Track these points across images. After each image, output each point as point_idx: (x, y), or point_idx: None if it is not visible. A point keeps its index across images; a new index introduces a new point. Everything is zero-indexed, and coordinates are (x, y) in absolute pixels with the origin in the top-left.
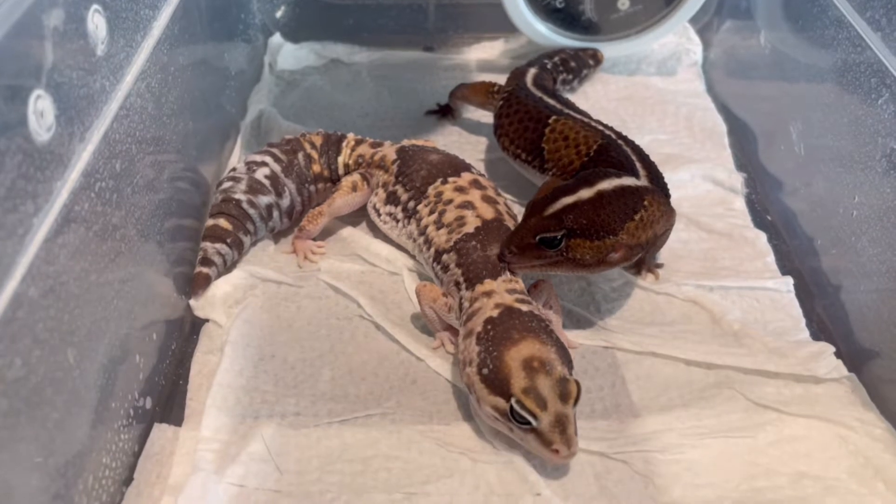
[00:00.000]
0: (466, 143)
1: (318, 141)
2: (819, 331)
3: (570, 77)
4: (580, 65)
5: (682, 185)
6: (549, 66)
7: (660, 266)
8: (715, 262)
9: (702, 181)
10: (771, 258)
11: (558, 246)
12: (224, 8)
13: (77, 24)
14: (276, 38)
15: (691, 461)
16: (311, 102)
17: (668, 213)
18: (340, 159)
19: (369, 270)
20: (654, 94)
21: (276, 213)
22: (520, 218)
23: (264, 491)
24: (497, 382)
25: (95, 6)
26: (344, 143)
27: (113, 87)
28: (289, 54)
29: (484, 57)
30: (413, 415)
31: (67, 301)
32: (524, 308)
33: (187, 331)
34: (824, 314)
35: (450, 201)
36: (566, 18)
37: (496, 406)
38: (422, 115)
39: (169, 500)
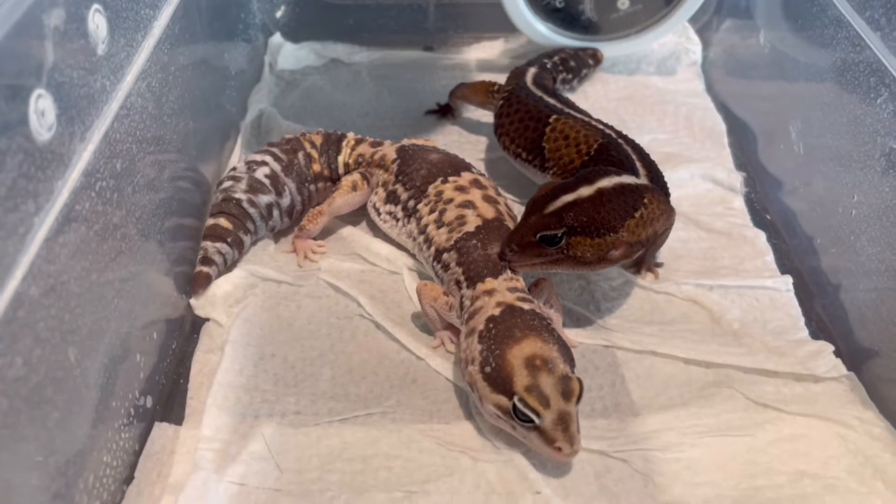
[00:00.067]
0: (466, 142)
1: (318, 140)
2: (818, 330)
3: (570, 76)
4: (580, 64)
5: (682, 185)
6: (548, 66)
7: (659, 265)
8: (714, 261)
9: (701, 180)
10: (770, 257)
11: (559, 243)
12: (224, 8)
13: (78, 24)
14: (277, 38)
15: (691, 460)
16: (311, 102)
17: (668, 212)
18: (340, 158)
19: (369, 269)
20: (653, 93)
21: (276, 213)
22: (520, 218)
23: (265, 490)
24: (499, 381)
25: (96, 6)
26: (344, 143)
27: (113, 86)
28: (289, 54)
29: (484, 57)
30: (413, 414)
31: (68, 300)
32: (526, 306)
33: (188, 330)
34: (823, 313)
35: (450, 200)
36: (566, 18)
37: (499, 404)
38: (422, 114)
39: (169, 498)
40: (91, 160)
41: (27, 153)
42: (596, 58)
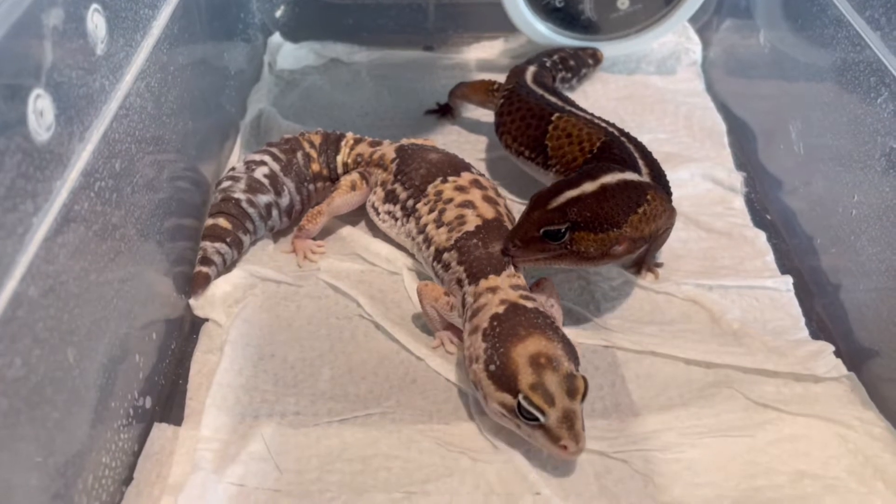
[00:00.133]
0: (466, 142)
1: (316, 140)
2: (818, 330)
3: (570, 75)
4: (579, 63)
5: (682, 184)
6: (547, 64)
7: (659, 265)
8: (714, 261)
9: (701, 180)
10: (770, 257)
11: (562, 239)
12: (224, 7)
13: (76, 24)
14: (276, 38)
15: (691, 460)
16: (310, 102)
17: (670, 210)
18: (339, 158)
19: (369, 270)
20: (653, 93)
21: (275, 212)
22: (523, 213)
23: (264, 490)
24: (504, 379)
25: (95, 5)
26: (343, 142)
27: (112, 86)
28: (288, 54)
29: (484, 56)
30: (413, 414)
31: (67, 300)
32: (529, 304)
33: (187, 330)
34: (824, 313)
35: (450, 200)
36: (566, 18)
37: (503, 402)
38: (421, 114)
39: (169, 499)
40: (90, 160)
41: (26, 153)
42: (596, 57)
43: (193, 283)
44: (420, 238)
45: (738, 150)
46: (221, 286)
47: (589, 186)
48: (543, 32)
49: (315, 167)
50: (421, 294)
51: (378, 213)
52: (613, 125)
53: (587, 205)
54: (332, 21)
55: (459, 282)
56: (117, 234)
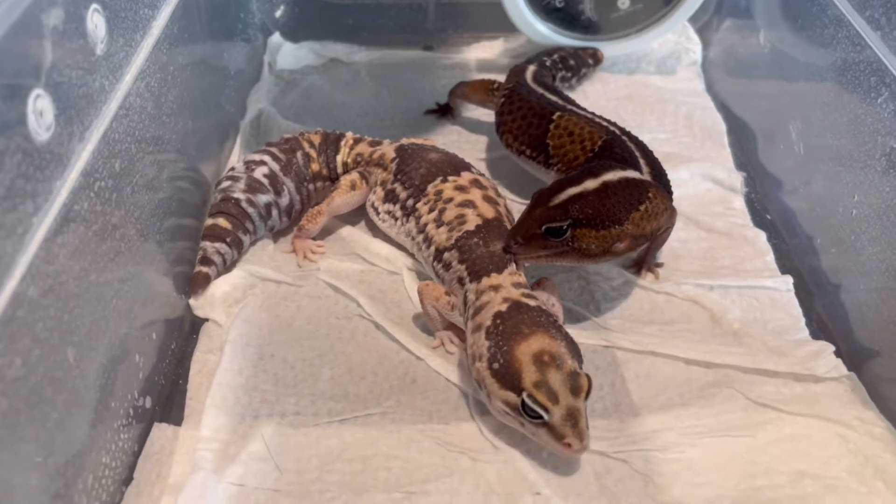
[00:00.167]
0: (466, 142)
1: (316, 140)
2: (818, 330)
3: (569, 75)
4: (579, 63)
5: (682, 184)
6: (547, 64)
7: (659, 265)
8: (714, 261)
9: (701, 180)
10: (770, 257)
11: (564, 236)
12: (223, 7)
13: (76, 24)
14: (276, 38)
15: (691, 460)
16: (310, 102)
17: (671, 209)
18: (339, 158)
19: (369, 270)
20: (653, 93)
21: (275, 212)
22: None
23: (264, 490)
24: (508, 377)
25: (95, 5)
26: (342, 142)
27: (112, 86)
28: (288, 54)
29: (483, 56)
30: (413, 414)
31: (67, 300)
32: (532, 302)
33: (187, 330)
34: (824, 313)
35: (450, 200)
36: (566, 18)
37: (507, 401)
38: (421, 114)
39: (169, 499)
40: (90, 160)
41: (25, 153)
42: (596, 57)
43: (193, 283)
44: (420, 238)
45: (738, 149)
46: (221, 286)
47: (591, 184)
48: (543, 32)
49: (315, 167)
50: (422, 294)
51: (378, 213)
52: (614, 124)
53: (589, 202)
54: (331, 21)
55: (461, 280)
56: (117, 234)
